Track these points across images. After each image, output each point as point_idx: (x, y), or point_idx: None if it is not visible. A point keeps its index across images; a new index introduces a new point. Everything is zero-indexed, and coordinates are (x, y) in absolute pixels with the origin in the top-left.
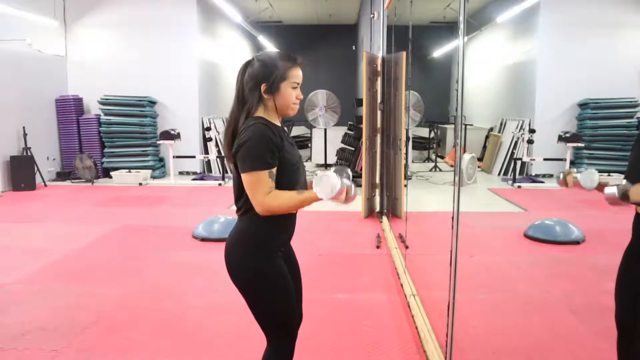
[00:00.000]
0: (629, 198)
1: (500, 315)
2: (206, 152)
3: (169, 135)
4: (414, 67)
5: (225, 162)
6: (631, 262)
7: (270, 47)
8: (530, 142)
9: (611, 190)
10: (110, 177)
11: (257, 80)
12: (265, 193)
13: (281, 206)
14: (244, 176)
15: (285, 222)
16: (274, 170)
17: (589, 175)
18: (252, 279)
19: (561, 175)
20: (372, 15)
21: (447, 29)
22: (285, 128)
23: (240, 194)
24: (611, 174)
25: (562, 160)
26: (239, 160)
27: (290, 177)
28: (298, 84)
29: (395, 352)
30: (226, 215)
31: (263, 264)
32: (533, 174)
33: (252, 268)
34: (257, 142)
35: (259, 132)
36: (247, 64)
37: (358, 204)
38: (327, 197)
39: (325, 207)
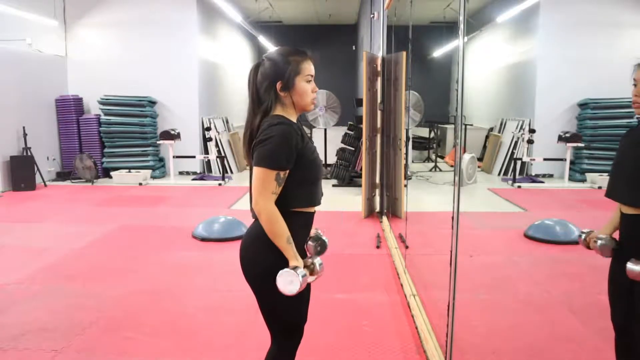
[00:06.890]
0: None
1: (500, 315)
2: (206, 152)
3: (169, 135)
4: (414, 67)
5: (246, 160)
6: (621, 262)
7: (270, 47)
8: (530, 142)
9: (636, 267)
10: (110, 177)
11: (272, 79)
12: (267, 192)
13: (267, 224)
14: (255, 168)
15: (301, 222)
16: (283, 174)
17: (608, 246)
18: (264, 276)
19: (582, 236)
20: (372, 15)
21: (447, 29)
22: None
23: None
24: None
25: (562, 160)
26: (255, 153)
27: (310, 172)
28: (312, 76)
29: (395, 352)
30: (226, 215)
31: (277, 262)
32: (533, 174)
33: (265, 265)
34: (279, 143)
35: (283, 133)
36: (258, 65)
37: (358, 204)
38: (283, 290)
39: (325, 207)
